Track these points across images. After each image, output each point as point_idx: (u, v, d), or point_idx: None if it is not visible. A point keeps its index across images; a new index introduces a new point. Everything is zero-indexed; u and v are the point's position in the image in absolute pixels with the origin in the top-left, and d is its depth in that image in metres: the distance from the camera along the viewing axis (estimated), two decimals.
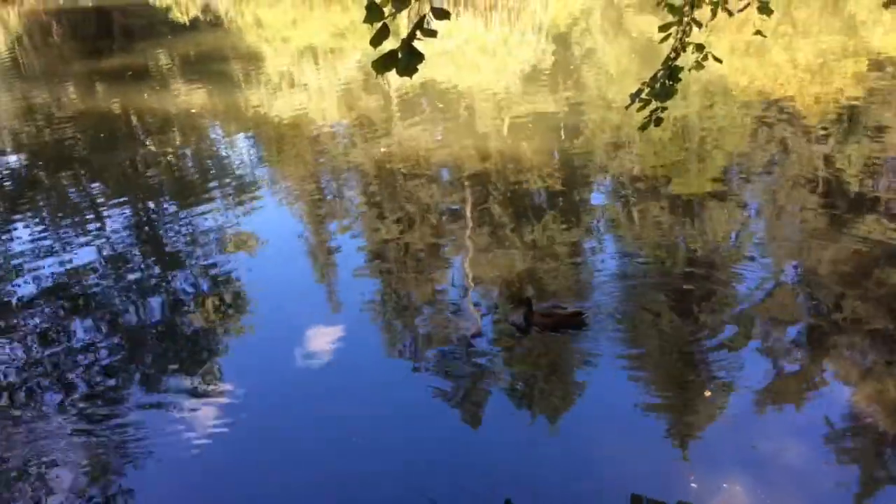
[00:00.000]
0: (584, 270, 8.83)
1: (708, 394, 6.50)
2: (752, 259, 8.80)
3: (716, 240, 9.39)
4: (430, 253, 9.43)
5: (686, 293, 8.07)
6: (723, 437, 6.08)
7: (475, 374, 6.98)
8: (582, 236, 9.72)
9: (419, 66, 2.38)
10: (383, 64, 2.43)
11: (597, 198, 11.16)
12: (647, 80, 4.50)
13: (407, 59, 2.35)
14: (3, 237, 10.68)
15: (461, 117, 15.41)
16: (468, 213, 10.56)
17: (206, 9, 33.14)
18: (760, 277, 8.36)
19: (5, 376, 7.29)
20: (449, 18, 2.44)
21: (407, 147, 13.47)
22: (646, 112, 4.59)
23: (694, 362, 7.01)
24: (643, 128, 4.67)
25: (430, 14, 2.36)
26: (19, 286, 9.11)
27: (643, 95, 4.47)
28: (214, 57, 23.00)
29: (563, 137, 13.58)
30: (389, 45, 2.60)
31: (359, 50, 22.80)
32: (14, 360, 7.56)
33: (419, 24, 2.35)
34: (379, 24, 2.35)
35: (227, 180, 12.68)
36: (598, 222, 10.21)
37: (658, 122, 4.59)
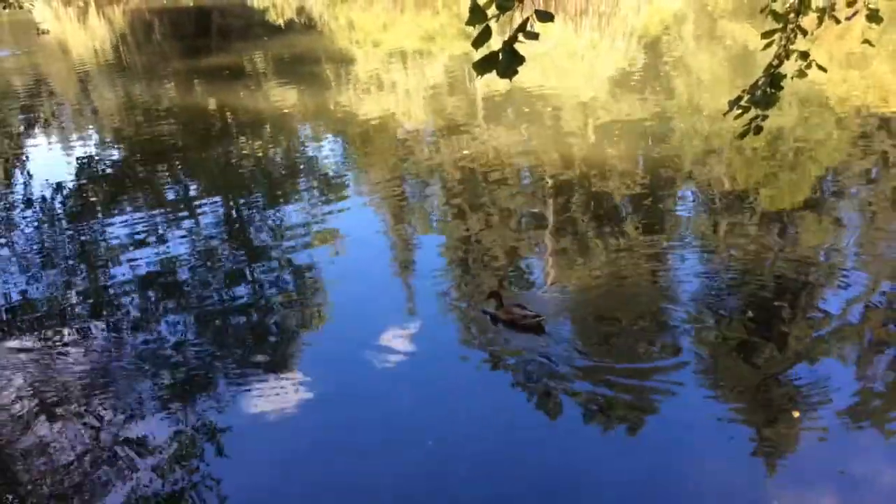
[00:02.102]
0: (667, 281, 8.65)
1: (796, 414, 6.27)
2: (845, 275, 8.44)
3: (807, 254, 9.05)
4: (509, 256, 9.41)
5: (775, 308, 7.81)
6: (811, 459, 5.85)
7: (552, 380, 6.90)
8: (666, 246, 9.51)
9: (519, 69, 2.39)
10: (484, 65, 2.45)
11: (683, 207, 10.93)
12: (747, 88, 4.39)
13: (508, 62, 2.36)
14: (105, 225, 11.21)
15: (546, 122, 15.34)
16: (550, 218, 10.50)
17: (300, 11, 34.00)
18: (854, 294, 8.01)
19: (101, 358, 7.62)
20: (553, 21, 2.44)
21: (491, 150, 13.50)
22: (743, 120, 4.47)
23: (781, 380, 6.76)
24: (742, 136, 4.56)
25: (534, 16, 2.36)
26: (117, 273, 9.54)
27: (742, 103, 4.36)
28: (307, 58, 23.57)
29: (650, 145, 13.36)
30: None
31: (447, 53, 22.98)
32: (109, 342, 7.90)
33: (522, 27, 2.36)
34: (482, 26, 2.38)
35: (314, 178, 12.98)
36: (684, 232, 9.98)
37: (758, 130, 4.47)
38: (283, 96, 18.64)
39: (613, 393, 6.68)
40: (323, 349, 7.68)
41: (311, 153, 14.68)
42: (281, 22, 31.87)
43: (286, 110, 17.39)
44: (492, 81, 18.26)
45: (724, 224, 10.04)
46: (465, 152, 13.42)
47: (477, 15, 2.34)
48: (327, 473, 5.98)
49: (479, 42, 2.45)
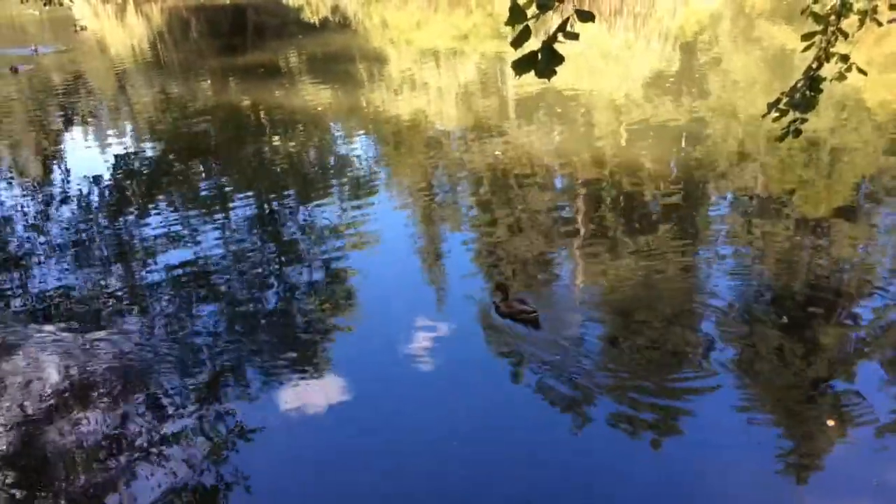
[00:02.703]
0: (698, 285, 8.56)
1: (831, 423, 6.17)
2: (882, 282, 8.30)
3: (842, 262, 8.90)
4: (539, 257, 9.37)
5: (808, 316, 7.69)
6: (846, 470, 5.75)
7: (579, 383, 6.84)
8: (697, 250, 9.42)
9: (557, 69, 2.38)
10: (523, 65, 2.45)
11: (716, 211, 10.81)
12: (787, 90, 4.33)
13: (546, 61, 2.35)
14: (140, 221, 11.37)
15: (579, 123, 15.27)
16: (580, 220, 10.45)
17: (335, 10, 34.22)
18: (891, 301, 7.87)
19: (135, 351, 7.72)
20: (594, 20, 2.43)
21: (522, 151, 13.47)
22: (782, 123, 4.42)
23: (816, 388, 6.67)
24: (781, 139, 4.51)
25: (575, 16, 2.35)
26: (151, 267, 9.67)
27: (781, 105, 4.31)
28: (341, 57, 23.70)
29: (683, 147, 13.23)
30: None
31: (479, 53, 22.97)
32: (144, 336, 8.00)
33: (563, 27, 2.35)
34: (521, 26, 2.37)
35: (346, 177, 13.04)
36: (716, 236, 9.87)
37: (797, 133, 4.41)
38: (317, 95, 18.76)
39: (641, 397, 6.62)
40: (351, 348, 7.72)
41: (343, 152, 14.75)
42: (315, 20, 32.08)
43: (319, 109, 17.50)
44: (524, 82, 18.22)
45: (758, 228, 9.92)
46: (497, 153, 13.40)
47: (516, 14, 2.33)
48: (353, 472, 5.99)
49: (518, 42, 2.45)
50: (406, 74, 20.79)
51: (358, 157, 14.34)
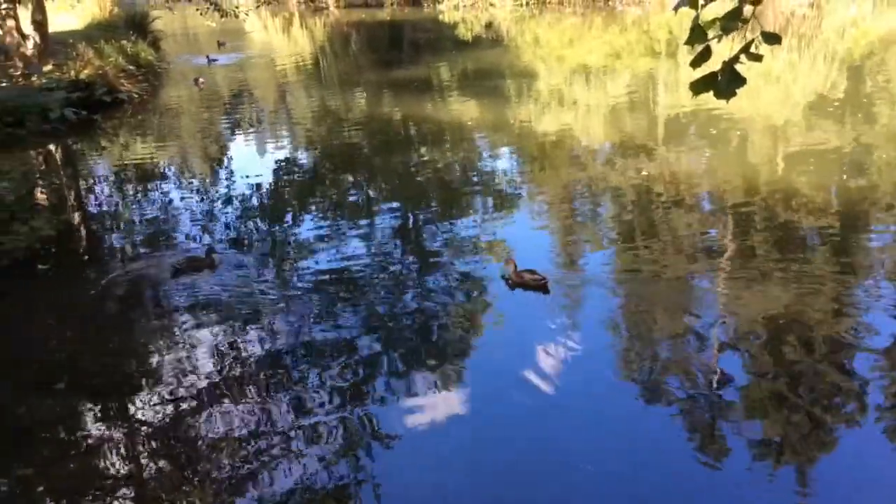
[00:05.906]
0: (855, 323, 8.05)
1: None
2: None
3: None
4: (680, 283, 9.14)
5: None
6: None
7: (716, 416, 6.61)
8: (857, 285, 8.86)
9: (738, 91, 2.41)
10: (702, 85, 2.49)
11: (879, 244, 10.15)
12: None
13: (727, 82, 2.39)
14: (291, 225, 12.02)
15: (733, 146, 14.81)
16: (727, 246, 10.13)
17: (489, 26, 34.79)
18: None
19: (278, 346, 8.13)
20: (780, 43, 2.44)
21: (670, 172, 13.21)
22: None
23: None
24: None
25: (760, 37, 2.37)
26: (299, 267, 10.16)
27: None
28: (492, 73, 24.07)
29: (845, 175, 12.55)
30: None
31: (631, 71, 22.71)
32: (287, 333, 8.40)
33: (746, 48, 2.38)
34: (701, 47, 2.42)
35: (488, 190, 13.19)
36: (878, 271, 9.27)
37: None
38: (466, 109, 19.15)
39: (785, 443, 6.28)
40: (482, 361, 7.77)
41: (486, 166, 14.94)
42: (469, 37, 32.71)
43: (468, 122, 17.86)
44: (676, 101, 17.86)
45: None
46: (644, 172, 13.21)
47: (697, 35, 2.38)
48: (481, 485, 6.04)
49: (697, 62, 2.49)
50: (555, 91, 20.86)
51: (501, 170, 14.49)
